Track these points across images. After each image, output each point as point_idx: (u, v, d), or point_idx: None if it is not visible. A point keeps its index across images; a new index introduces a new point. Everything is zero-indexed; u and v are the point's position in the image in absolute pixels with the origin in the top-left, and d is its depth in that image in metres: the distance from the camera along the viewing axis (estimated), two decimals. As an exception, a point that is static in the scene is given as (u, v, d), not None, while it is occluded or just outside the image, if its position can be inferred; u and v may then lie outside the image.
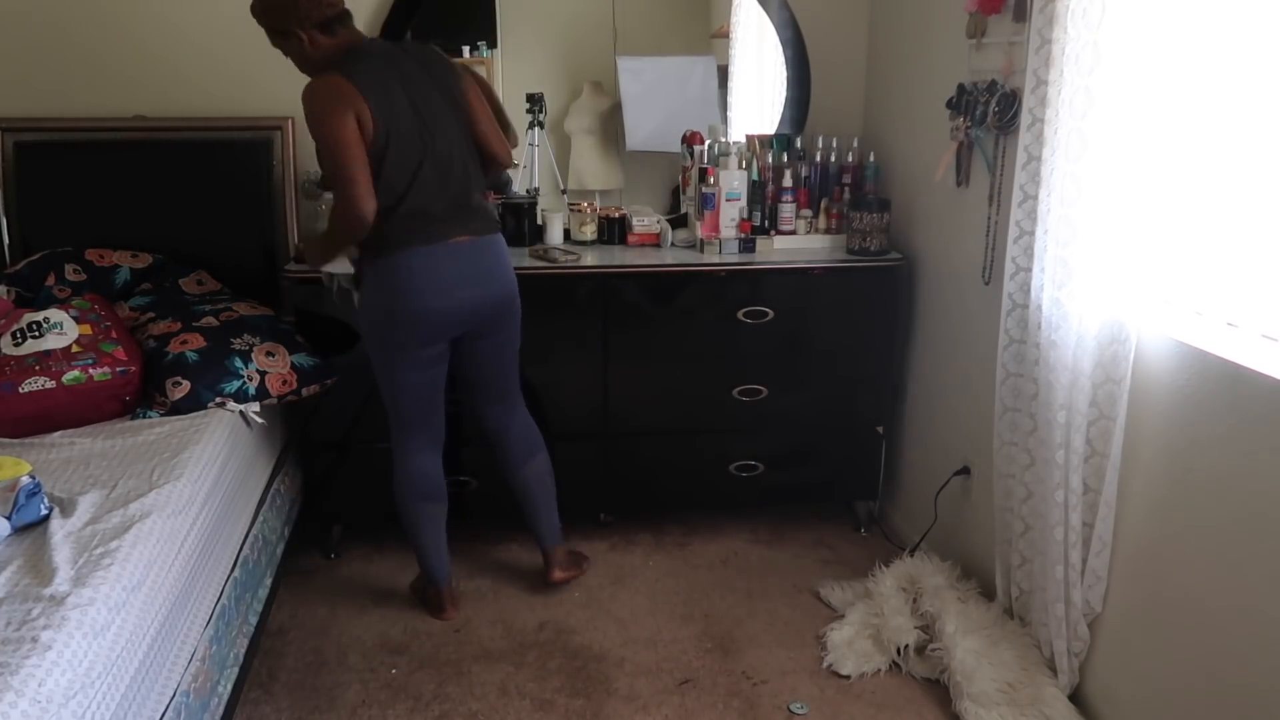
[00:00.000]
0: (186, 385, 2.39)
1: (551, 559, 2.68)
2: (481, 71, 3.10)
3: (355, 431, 2.78)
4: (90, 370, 2.33)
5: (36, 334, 2.36)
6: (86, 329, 2.42)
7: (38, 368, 2.29)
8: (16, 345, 2.34)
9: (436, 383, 2.43)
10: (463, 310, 2.32)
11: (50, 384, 2.28)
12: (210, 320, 2.60)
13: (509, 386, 2.56)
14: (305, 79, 2.23)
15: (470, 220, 2.31)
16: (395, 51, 2.29)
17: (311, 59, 2.22)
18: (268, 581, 2.51)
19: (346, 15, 2.26)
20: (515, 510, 2.69)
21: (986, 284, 2.43)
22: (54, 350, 2.34)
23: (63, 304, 2.52)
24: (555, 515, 2.68)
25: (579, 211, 3.01)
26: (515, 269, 2.43)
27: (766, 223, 2.93)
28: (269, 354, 2.54)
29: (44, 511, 1.84)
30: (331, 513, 2.90)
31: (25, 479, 1.86)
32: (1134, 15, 1.81)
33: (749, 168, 2.91)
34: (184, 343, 2.48)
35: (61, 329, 2.39)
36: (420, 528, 2.53)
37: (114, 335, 2.45)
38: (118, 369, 2.37)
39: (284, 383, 2.53)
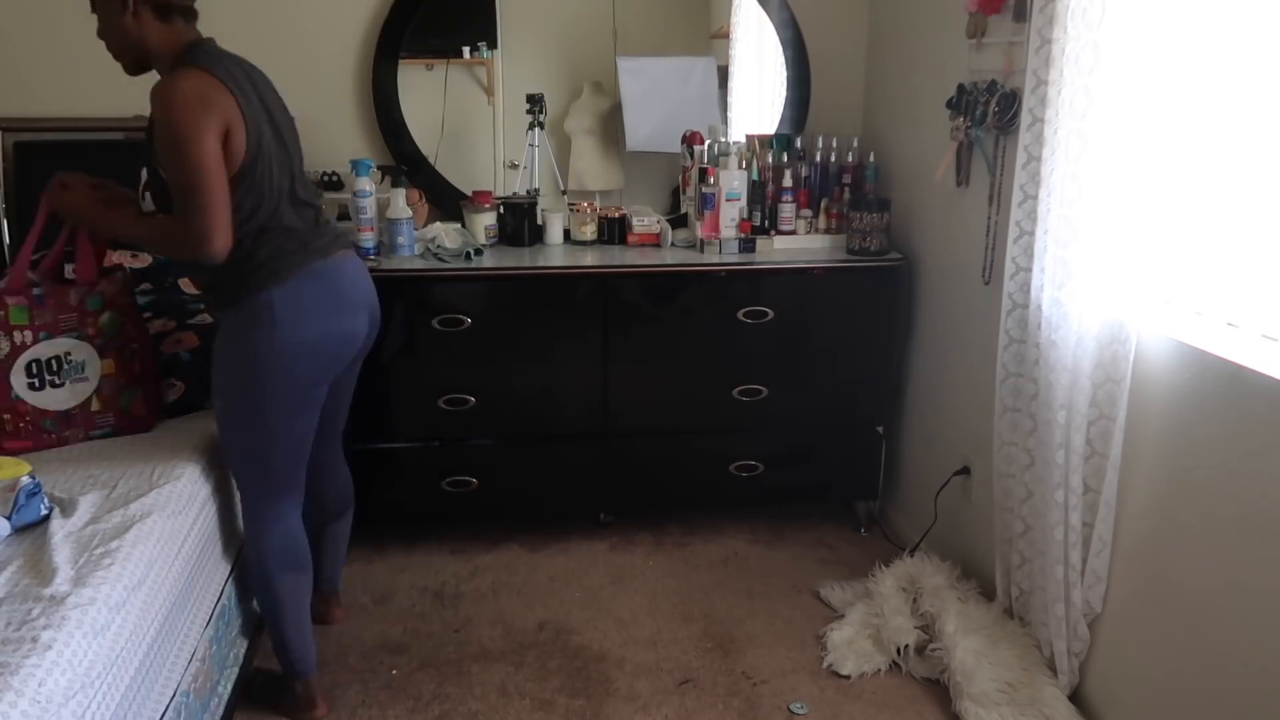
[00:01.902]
0: (180, 387, 2.39)
1: (332, 601, 2.57)
2: (482, 72, 3.12)
3: (353, 431, 2.77)
4: (109, 429, 2.25)
5: (55, 378, 2.17)
6: (110, 366, 2.22)
7: (54, 435, 2.19)
8: (34, 389, 2.16)
9: (315, 426, 2.11)
10: (364, 329, 2.10)
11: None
12: (205, 318, 2.59)
13: (344, 422, 2.36)
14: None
15: (339, 235, 2.08)
16: (240, 58, 1.99)
17: (134, 42, 1.90)
18: (268, 581, 2.51)
19: (192, 13, 1.95)
20: (516, 510, 2.68)
21: (986, 284, 2.43)
22: (74, 413, 2.20)
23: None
24: (343, 561, 2.57)
25: (579, 212, 3.01)
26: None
27: (766, 223, 2.93)
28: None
29: (44, 511, 1.84)
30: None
31: (25, 479, 1.86)
32: (1134, 15, 1.81)
33: (749, 168, 2.91)
34: (178, 342, 2.47)
35: (83, 371, 2.19)
36: (291, 603, 2.12)
37: (135, 371, 2.26)
38: (136, 425, 2.28)
39: (284, 383, 2.52)
